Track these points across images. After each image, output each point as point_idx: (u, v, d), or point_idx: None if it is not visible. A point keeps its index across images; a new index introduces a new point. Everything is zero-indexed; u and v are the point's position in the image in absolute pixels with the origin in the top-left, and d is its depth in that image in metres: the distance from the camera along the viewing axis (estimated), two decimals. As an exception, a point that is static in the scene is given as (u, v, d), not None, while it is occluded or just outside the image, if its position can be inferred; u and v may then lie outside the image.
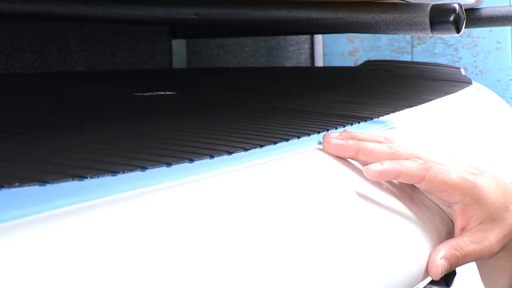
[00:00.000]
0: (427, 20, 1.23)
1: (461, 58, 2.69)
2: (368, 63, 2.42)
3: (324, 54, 3.07)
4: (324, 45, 3.03)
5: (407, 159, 0.99)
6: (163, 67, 2.63)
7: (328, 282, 0.77)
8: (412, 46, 2.79)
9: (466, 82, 2.04)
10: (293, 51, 2.94)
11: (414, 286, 0.97)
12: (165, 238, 0.62)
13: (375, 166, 0.95)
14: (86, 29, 2.23)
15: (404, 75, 2.13)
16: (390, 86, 1.89)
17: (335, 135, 0.98)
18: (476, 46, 2.66)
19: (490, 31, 2.65)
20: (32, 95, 1.57)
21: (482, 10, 2.03)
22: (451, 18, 1.21)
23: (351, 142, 0.98)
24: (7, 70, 1.99)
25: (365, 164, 0.97)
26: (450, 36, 2.68)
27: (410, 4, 1.28)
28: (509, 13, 2.19)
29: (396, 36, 2.75)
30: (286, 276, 0.72)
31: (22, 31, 2.03)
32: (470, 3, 1.90)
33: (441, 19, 1.23)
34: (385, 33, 1.38)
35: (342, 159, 0.97)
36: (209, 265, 0.65)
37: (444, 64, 2.30)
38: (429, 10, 1.25)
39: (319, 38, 2.99)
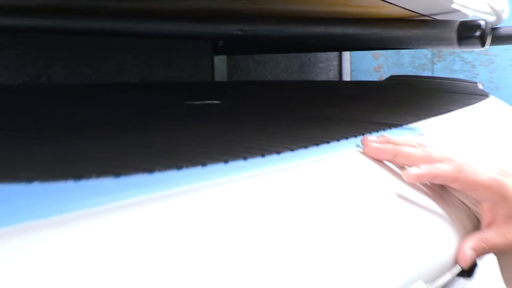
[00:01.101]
0: (454, 36, 1.22)
1: (478, 74, 2.68)
2: (392, 77, 2.41)
3: (352, 70, 3.06)
4: (351, 62, 3.02)
5: (440, 161, 0.99)
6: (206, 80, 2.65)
7: (375, 269, 0.78)
8: (433, 63, 2.77)
9: (484, 95, 2.01)
10: (323, 67, 2.93)
11: (445, 273, 0.96)
12: (231, 227, 0.62)
13: (414, 170, 0.96)
14: (140, 46, 2.25)
15: (426, 88, 2.13)
16: (414, 97, 1.88)
17: (374, 139, 0.99)
18: (492, 63, 2.65)
19: (505, 49, 2.64)
20: (96, 103, 1.60)
21: (501, 29, 2.01)
22: (477, 34, 1.18)
23: (389, 146, 0.99)
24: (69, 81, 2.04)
25: (401, 166, 0.98)
26: (468, 54, 2.68)
27: (439, 21, 1.27)
28: None
29: (418, 54, 2.74)
30: (334, 264, 0.71)
31: (80, 46, 2.06)
32: (490, 21, 1.84)
33: (468, 34, 1.22)
34: (415, 48, 1.39)
35: (380, 161, 0.98)
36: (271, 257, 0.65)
37: (463, 79, 2.29)
38: (456, 26, 1.24)
39: (346, 55, 2.99)
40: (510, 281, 1.16)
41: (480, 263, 1.29)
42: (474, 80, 2.38)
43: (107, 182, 0.61)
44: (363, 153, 0.99)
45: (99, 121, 1.27)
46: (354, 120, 1.28)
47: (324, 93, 2.08)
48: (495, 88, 2.57)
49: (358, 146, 0.99)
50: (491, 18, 1.79)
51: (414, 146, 1.00)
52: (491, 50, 2.60)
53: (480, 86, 2.17)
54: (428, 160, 0.98)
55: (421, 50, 2.78)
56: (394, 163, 0.99)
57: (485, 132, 1.66)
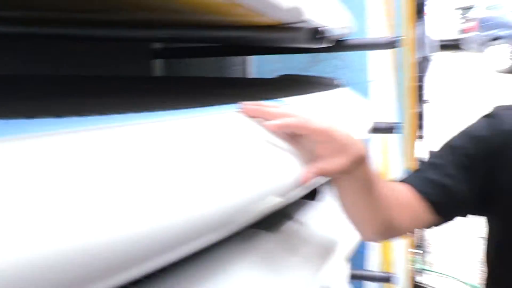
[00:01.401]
0: (303, 37, 1.25)
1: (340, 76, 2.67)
2: (281, 76, 2.44)
3: (258, 72, 3.02)
4: (256, 66, 2.96)
5: (291, 116, 1.06)
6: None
7: (243, 185, 0.86)
8: (311, 67, 2.74)
9: (338, 86, 2.10)
10: (235, 69, 2.92)
11: (293, 190, 1.03)
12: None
13: (273, 122, 1.04)
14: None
15: (301, 80, 2.22)
16: (289, 86, 1.94)
17: (249, 103, 1.06)
18: (348, 67, 2.64)
19: (360, 56, 2.60)
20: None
21: (350, 40, 2.11)
22: (319, 36, 1.25)
23: (258, 107, 1.06)
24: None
25: (266, 120, 1.05)
26: (334, 60, 2.65)
27: (295, 27, 1.29)
28: (369, 42, 2.25)
29: (302, 60, 2.72)
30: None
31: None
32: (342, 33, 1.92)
33: (314, 36, 1.26)
34: (284, 45, 1.42)
35: (252, 117, 1.05)
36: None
37: (326, 76, 2.35)
38: (306, 31, 1.26)
39: (251, 60, 2.95)
40: (341, 196, 1.20)
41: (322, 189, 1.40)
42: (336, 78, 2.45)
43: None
44: (242, 111, 1.05)
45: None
46: (239, 95, 1.29)
47: (226, 84, 2.14)
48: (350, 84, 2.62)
49: (238, 108, 1.05)
50: (341, 30, 1.82)
51: (275, 107, 1.07)
52: (347, 56, 2.62)
53: (336, 82, 2.25)
54: (283, 115, 1.05)
55: (304, 57, 2.75)
56: (262, 118, 1.05)
57: (331, 104, 1.71)
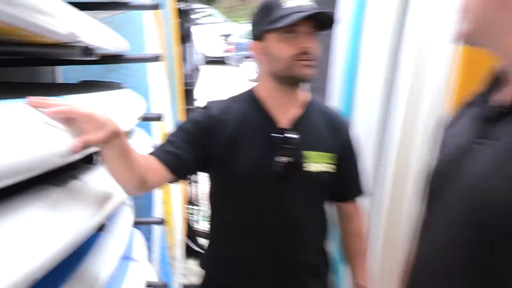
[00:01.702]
0: (78, 52, 1.24)
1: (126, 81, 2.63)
2: (82, 81, 2.37)
3: (65, 79, 2.90)
4: (64, 74, 2.83)
5: (64, 105, 1.07)
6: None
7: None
8: (106, 75, 2.64)
9: (121, 87, 2.09)
10: (47, 76, 2.74)
11: (68, 154, 1.06)
12: None
13: (52, 110, 1.05)
14: None
15: (96, 85, 2.13)
16: (85, 89, 1.86)
17: (34, 97, 1.05)
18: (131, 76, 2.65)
19: (142, 67, 2.64)
20: None
21: (127, 55, 2.11)
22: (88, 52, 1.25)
23: (39, 100, 1.05)
24: None
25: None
26: (124, 70, 2.64)
27: (70, 46, 1.26)
28: (140, 56, 2.27)
29: (100, 69, 2.63)
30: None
31: None
32: (117, 50, 1.91)
33: (84, 52, 1.25)
34: (65, 58, 1.39)
35: (36, 107, 1.03)
36: None
37: (114, 82, 2.33)
38: (79, 48, 1.25)
39: (59, 69, 2.73)
40: (105, 160, 1.23)
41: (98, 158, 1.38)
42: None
43: None
44: (28, 103, 1.03)
45: None
46: (39, 94, 1.16)
47: (34, 87, 2.07)
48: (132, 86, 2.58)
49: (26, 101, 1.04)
50: (116, 48, 1.83)
51: (54, 100, 1.08)
52: (132, 67, 2.60)
53: (122, 86, 2.27)
54: (57, 105, 1.06)
55: (100, 67, 2.61)
56: (42, 107, 1.04)
57: (112, 99, 1.69)
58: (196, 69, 4.75)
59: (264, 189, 1.46)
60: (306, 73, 1.41)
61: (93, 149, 1.21)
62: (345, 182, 1.58)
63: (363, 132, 2.16)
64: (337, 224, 1.66)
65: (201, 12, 12.78)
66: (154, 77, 2.68)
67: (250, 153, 1.46)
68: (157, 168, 1.39)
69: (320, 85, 3.31)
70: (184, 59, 3.92)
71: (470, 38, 0.90)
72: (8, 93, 1.21)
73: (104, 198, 1.30)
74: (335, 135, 1.53)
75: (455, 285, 0.88)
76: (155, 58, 2.05)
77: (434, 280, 0.93)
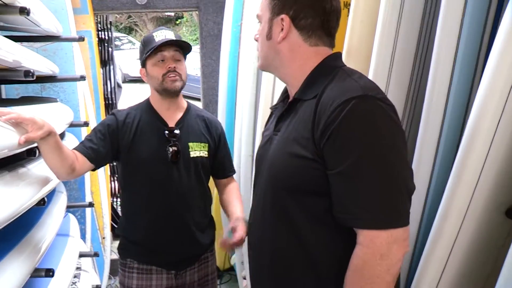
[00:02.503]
0: (21, 75, 1.29)
1: (59, 96, 2.63)
2: (22, 97, 2.39)
3: (7, 95, 2.87)
4: (7, 90, 2.65)
5: (13, 113, 1.18)
6: None
7: None
8: (41, 92, 2.65)
9: (56, 101, 2.19)
10: None
11: (16, 147, 1.15)
12: None
13: (4, 117, 1.16)
14: None
15: (34, 99, 2.14)
16: (25, 102, 1.87)
17: None
18: (65, 92, 2.69)
19: (75, 85, 2.65)
20: None
21: (59, 76, 2.17)
22: (30, 74, 1.31)
23: None
24: None
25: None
26: (57, 88, 2.62)
27: (17, 70, 1.33)
28: (67, 77, 2.33)
29: (36, 87, 2.63)
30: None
31: None
32: (50, 72, 1.98)
33: (27, 74, 1.30)
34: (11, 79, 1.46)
35: None
36: None
37: (51, 97, 2.40)
38: (23, 71, 1.29)
39: (3, 87, 2.65)
40: (43, 153, 1.32)
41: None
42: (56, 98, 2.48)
43: None
44: None
45: None
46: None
47: None
48: (64, 101, 2.62)
49: None
50: (49, 71, 1.91)
51: (6, 110, 1.19)
52: (64, 85, 2.62)
53: (57, 100, 2.31)
54: (8, 113, 1.17)
55: (36, 86, 2.61)
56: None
57: (47, 110, 1.77)
58: (118, 86, 4.80)
59: (160, 170, 1.64)
60: (174, 86, 1.63)
61: (34, 145, 1.33)
62: (220, 165, 1.79)
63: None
64: (219, 193, 1.84)
65: (123, 40, 12.58)
66: (82, 93, 2.73)
67: (149, 145, 1.65)
68: (81, 159, 1.51)
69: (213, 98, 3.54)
70: (107, 78, 3.99)
71: (263, 68, 1.15)
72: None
73: (44, 181, 1.44)
74: (208, 130, 1.75)
75: (267, 223, 1.08)
76: (81, 78, 2.16)
77: (257, 223, 1.13)
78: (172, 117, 1.70)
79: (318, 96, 0.99)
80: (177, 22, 14.67)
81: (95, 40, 3.25)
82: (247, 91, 2.30)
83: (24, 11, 1.27)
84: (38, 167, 1.46)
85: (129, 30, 15.57)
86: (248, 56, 2.34)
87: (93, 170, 1.62)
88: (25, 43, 2.37)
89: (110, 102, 4.00)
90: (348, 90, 0.94)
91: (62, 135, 1.98)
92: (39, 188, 1.36)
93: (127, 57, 11.11)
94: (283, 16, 1.04)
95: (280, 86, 2.00)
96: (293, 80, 1.07)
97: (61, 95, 2.69)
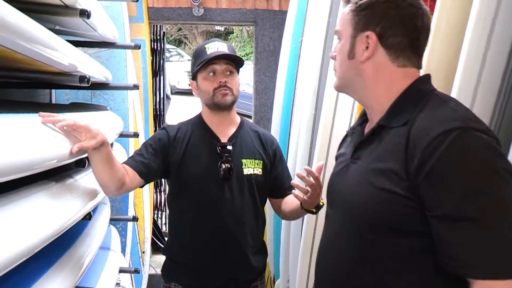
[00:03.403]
0: (76, 80, 1.27)
1: (109, 104, 2.63)
2: (72, 103, 2.42)
3: (57, 100, 2.90)
4: (57, 96, 2.71)
5: (67, 120, 1.15)
6: None
7: None
8: (91, 98, 2.68)
9: (106, 109, 2.16)
10: (45, 97, 2.74)
11: (70, 156, 1.12)
12: None
13: (59, 123, 1.13)
14: None
15: (84, 106, 2.16)
16: (75, 108, 1.89)
17: (45, 113, 1.12)
18: (114, 100, 2.70)
19: (122, 94, 2.68)
20: None
21: (111, 84, 2.13)
22: (80, 81, 1.32)
23: (47, 115, 1.12)
24: None
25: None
26: (106, 95, 2.67)
27: (73, 74, 1.30)
28: (120, 85, 2.31)
29: (86, 93, 2.65)
30: None
31: None
32: (105, 80, 1.98)
33: (82, 79, 1.28)
34: (67, 84, 1.44)
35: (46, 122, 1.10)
36: None
37: (99, 105, 2.38)
38: (78, 76, 1.27)
39: (54, 92, 2.67)
40: (93, 164, 1.28)
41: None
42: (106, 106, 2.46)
43: None
44: (40, 118, 1.09)
45: None
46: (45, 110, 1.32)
47: (39, 105, 2.10)
48: (113, 109, 2.62)
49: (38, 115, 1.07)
50: (103, 78, 1.88)
51: (59, 116, 1.15)
52: (115, 93, 2.67)
53: (108, 108, 2.32)
54: (62, 120, 1.14)
55: (86, 92, 2.63)
56: (52, 123, 1.12)
57: (99, 118, 1.75)
58: (167, 98, 4.82)
59: (212, 187, 1.57)
60: (224, 100, 1.57)
61: (84, 155, 1.28)
62: (277, 182, 1.68)
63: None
64: (278, 211, 1.72)
65: (172, 52, 12.81)
66: (132, 102, 2.73)
67: (200, 161, 1.59)
68: (131, 174, 1.47)
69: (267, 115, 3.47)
70: (157, 89, 3.99)
71: (340, 89, 1.05)
72: (20, 108, 1.27)
73: (92, 194, 1.38)
74: (263, 146, 1.67)
75: (343, 262, 0.98)
76: (134, 87, 2.12)
77: (330, 260, 1.03)
78: (224, 132, 1.64)
79: (409, 124, 0.89)
80: (228, 37, 14.81)
81: (148, 50, 3.27)
82: (305, 111, 2.18)
83: (84, 13, 1.21)
84: (86, 179, 1.41)
85: (178, 43, 15.88)
86: (307, 74, 2.23)
87: (142, 186, 1.56)
88: (79, 48, 2.38)
89: (159, 113, 3.96)
90: (445, 119, 0.84)
91: (111, 145, 1.91)
92: (87, 202, 1.31)
93: (175, 69, 11.32)
94: (368, 33, 0.95)
95: (343, 108, 1.91)
96: (375, 104, 0.98)
97: (110, 103, 2.70)
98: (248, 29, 14.89)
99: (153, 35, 3.98)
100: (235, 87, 1.60)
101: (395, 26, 0.94)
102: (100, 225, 1.67)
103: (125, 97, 2.69)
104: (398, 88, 0.95)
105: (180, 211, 1.65)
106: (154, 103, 3.90)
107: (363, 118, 1.08)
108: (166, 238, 3.96)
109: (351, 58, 0.98)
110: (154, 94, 3.88)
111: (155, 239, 3.88)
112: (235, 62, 1.61)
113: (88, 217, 1.35)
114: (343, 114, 1.90)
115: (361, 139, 1.02)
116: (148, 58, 3.28)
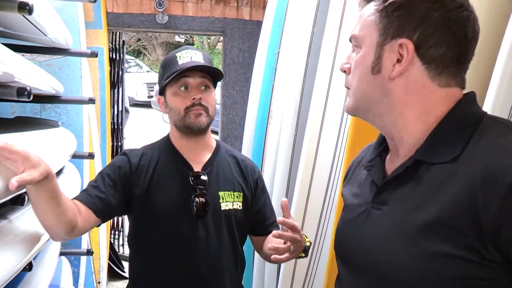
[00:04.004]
0: (14, 92, 1.04)
1: (61, 119, 2.38)
2: (17, 117, 2.16)
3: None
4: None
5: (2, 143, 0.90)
6: None
7: None
8: (41, 112, 2.44)
9: (57, 126, 1.94)
10: None
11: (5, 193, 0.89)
12: None
13: None
14: None
15: (31, 121, 1.94)
16: (19, 124, 1.69)
17: None
18: (67, 113, 2.44)
19: (76, 108, 2.44)
20: None
21: (63, 96, 1.94)
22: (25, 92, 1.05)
23: None
24: None
25: None
26: (59, 109, 2.39)
27: (9, 86, 1.07)
28: (74, 98, 2.10)
29: (35, 107, 2.37)
30: None
31: None
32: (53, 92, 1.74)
33: (22, 92, 1.04)
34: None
35: None
36: None
37: (49, 119, 2.13)
38: (16, 88, 1.04)
39: None
40: (34, 203, 1.02)
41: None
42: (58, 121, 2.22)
43: None
44: None
45: None
46: None
47: None
48: (65, 124, 2.39)
49: None
50: (52, 90, 1.65)
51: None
52: (67, 106, 2.37)
53: (59, 123, 2.07)
54: None
55: (35, 105, 2.35)
56: None
57: (46, 138, 1.53)
58: (126, 111, 4.52)
59: (183, 227, 1.32)
60: (198, 122, 1.31)
61: (22, 190, 1.00)
62: (259, 217, 1.43)
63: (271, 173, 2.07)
64: (259, 250, 1.46)
65: (130, 63, 12.50)
66: (87, 117, 2.46)
67: (169, 195, 1.32)
68: (85, 213, 1.20)
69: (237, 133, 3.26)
70: (115, 101, 3.71)
71: (354, 112, 0.83)
72: None
73: (33, 239, 1.09)
74: (243, 175, 1.42)
75: None
76: (90, 101, 1.86)
77: None
78: (198, 158, 1.37)
79: (460, 159, 0.68)
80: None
81: (106, 59, 3.01)
82: (285, 130, 1.95)
83: (25, 7, 0.94)
84: (25, 219, 1.12)
85: (137, 53, 15.51)
86: (287, 89, 2.02)
87: (99, 225, 1.28)
88: (27, 55, 2.11)
89: (117, 127, 3.68)
90: None
91: (61, 170, 1.65)
92: (26, 250, 1.03)
93: (134, 80, 11.01)
94: (403, 40, 0.73)
95: (330, 128, 1.70)
96: (405, 133, 0.77)
97: (63, 117, 2.42)
98: (209, 40, 14.70)
99: (112, 43, 3.70)
100: (212, 105, 1.34)
101: (439, 33, 0.72)
102: (44, 275, 1.39)
103: (79, 110, 2.41)
104: (438, 114, 0.74)
105: (144, 255, 1.37)
106: (112, 117, 3.62)
107: (382, 147, 0.85)
108: (123, 262, 3.67)
109: (375, 73, 0.76)
110: (112, 107, 3.59)
111: (111, 264, 3.54)
112: (211, 75, 1.36)
113: (28, 267, 1.06)
114: (330, 135, 1.68)
115: (385, 177, 0.80)
116: (106, 68, 3.01)
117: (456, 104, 0.74)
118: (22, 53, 2.10)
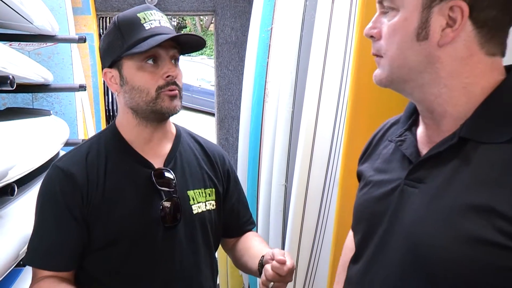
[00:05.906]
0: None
1: (54, 108, 2.35)
2: (8, 108, 2.12)
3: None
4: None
5: None
6: None
7: None
8: (33, 102, 2.39)
9: (49, 114, 1.88)
10: None
11: None
12: None
13: None
14: None
15: (23, 111, 1.90)
16: (11, 115, 1.65)
17: None
18: (60, 103, 2.37)
19: (68, 96, 2.39)
20: None
21: (53, 85, 1.88)
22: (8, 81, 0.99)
23: None
24: None
25: None
26: (51, 98, 2.34)
27: None
28: (65, 86, 2.05)
29: (27, 97, 2.33)
30: None
31: None
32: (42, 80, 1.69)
33: (5, 80, 0.98)
34: None
35: None
36: None
37: (42, 109, 2.08)
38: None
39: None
40: None
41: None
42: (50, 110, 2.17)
43: None
44: None
45: None
46: None
47: None
48: (59, 113, 2.36)
49: None
50: (42, 79, 1.61)
51: None
52: (60, 95, 2.32)
53: (51, 112, 2.01)
54: None
55: (27, 95, 2.32)
56: None
57: (37, 126, 1.49)
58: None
59: (149, 241, 1.04)
60: (174, 106, 1.02)
61: (10, 180, 0.95)
62: (233, 216, 1.21)
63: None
64: (230, 253, 1.26)
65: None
66: (80, 104, 2.42)
67: (127, 205, 1.03)
68: (68, 277, 1.02)
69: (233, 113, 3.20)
70: (109, 88, 3.65)
71: (388, 84, 0.73)
72: None
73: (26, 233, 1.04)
74: (212, 165, 1.17)
75: None
76: (80, 88, 1.80)
77: None
78: (156, 151, 1.09)
79: None
80: (182, 31, 14.42)
81: (97, 45, 2.92)
82: (282, 106, 1.89)
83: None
84: (14, 210, 1.07)
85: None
86: (282, 66, 1.96)
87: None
88: (15, 45, 2.06)
89: (112, 113, 3.62)
90: None
91: (55, 155, 1.60)
92: (18, 244, 0.96)
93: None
94: (457, 1, 0.65)
95: (328, 101, 1.64)
96: (449, 106, 0.69)
97: (56, 106, 2.38)
98: (201, 22, 14.52)
99: (102, 29, 3.62)
100: (181, 84, 1.06)
101: None
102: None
103: (72, 99, 2.35)
104: (484, 86, 0.67)
105: (100, 280, 1.06)
106: (106, 103, 3.56)
107: (411, 120, 0.79)
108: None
109: (421, 40, 0.68)
110: (106, 94, 3.52)
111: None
112: (182, 46, 1.05)
113: (22, 262, 1.02)
114: (328, 108, 1.63)
115: (418, 152, 0.74)
116: (97, 54, 2.93)
117: (508, 75, 0.67)
118: (10, 43, 2.05)
